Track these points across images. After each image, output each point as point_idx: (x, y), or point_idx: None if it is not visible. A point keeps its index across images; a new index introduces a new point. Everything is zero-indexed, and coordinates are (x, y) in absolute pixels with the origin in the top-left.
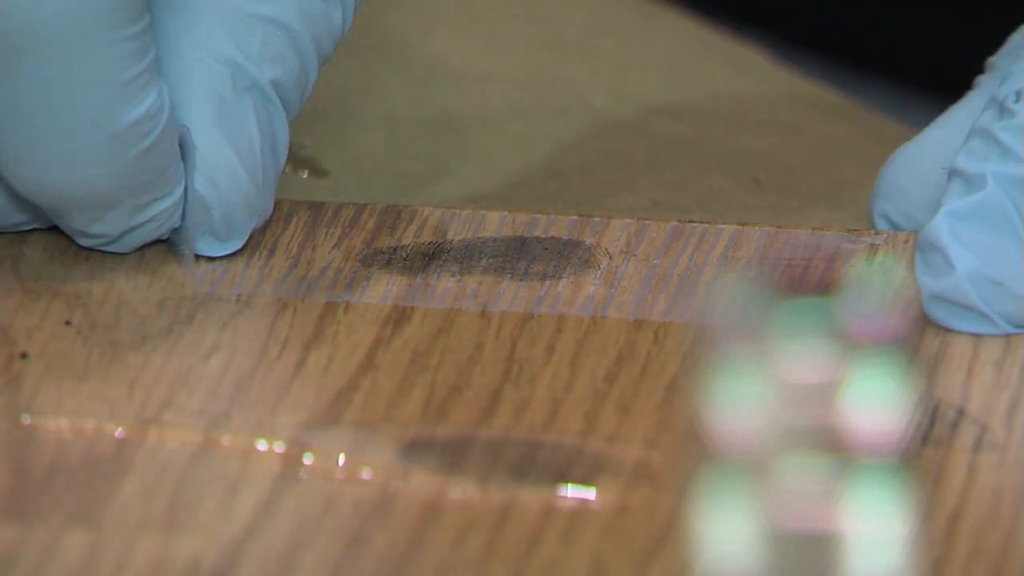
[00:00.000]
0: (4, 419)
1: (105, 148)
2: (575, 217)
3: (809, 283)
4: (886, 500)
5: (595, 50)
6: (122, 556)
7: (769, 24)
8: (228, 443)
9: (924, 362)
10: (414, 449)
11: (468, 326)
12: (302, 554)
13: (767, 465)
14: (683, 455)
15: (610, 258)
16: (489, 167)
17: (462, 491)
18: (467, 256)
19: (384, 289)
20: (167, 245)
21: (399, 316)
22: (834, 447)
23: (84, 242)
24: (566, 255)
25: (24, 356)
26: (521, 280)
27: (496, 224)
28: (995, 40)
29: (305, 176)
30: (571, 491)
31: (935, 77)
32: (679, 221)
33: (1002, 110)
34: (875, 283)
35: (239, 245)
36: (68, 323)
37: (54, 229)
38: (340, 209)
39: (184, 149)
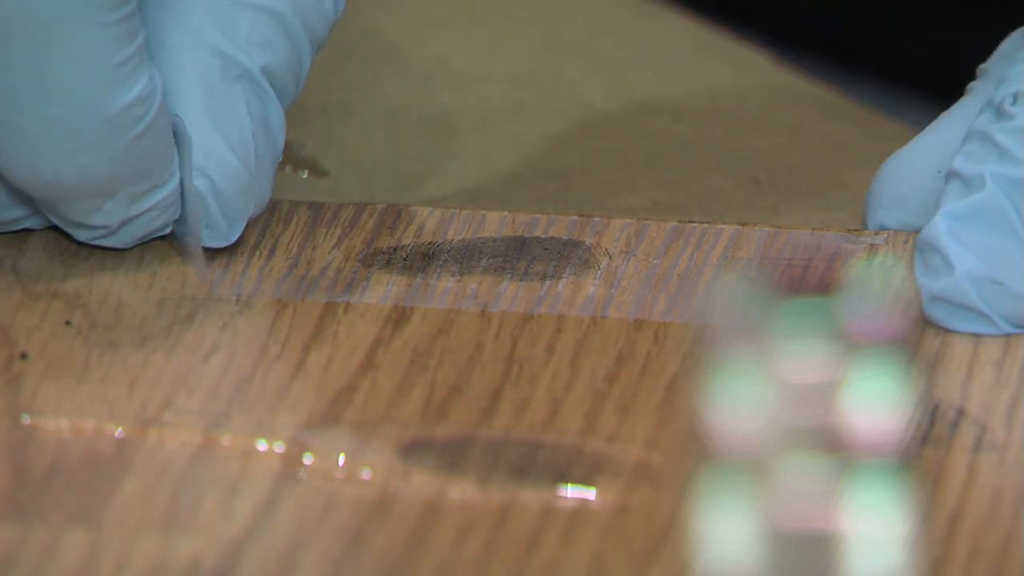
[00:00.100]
0: (4, 419)
1: (99, 134)
2: (575, 217)
3: (809, 283)
4: (886, 500)
5: (595, 51)
6: (122, 556)
7: (769, 24)
8: (228, 443)
9: (924, 362)
10: (414, 449)
11: (468, 326)
12: (302, 554)
13: (767, 465)
14: (683, 455)
15: (610, 258)
16: (489, 167)
17: (462, 491)
18: (467, 256)
19: (384, 289)
20: (167, 246)
21: (399, 316)
22: (834, 447)
23: (83, 235)
24: (566, 255)
25: (24, 356)
26: (521, 280)
27: (496, 224)
28: (994, 41)
29: (305, 176)
30: (571, 491)
31: (935, 77)
32: (679, 221)
33: (999, 112)
34: (875, 283)
35: (238, 233)
36: (68, 323)
37: (54, 229)
38: (340, 209)
39: (178, 139)
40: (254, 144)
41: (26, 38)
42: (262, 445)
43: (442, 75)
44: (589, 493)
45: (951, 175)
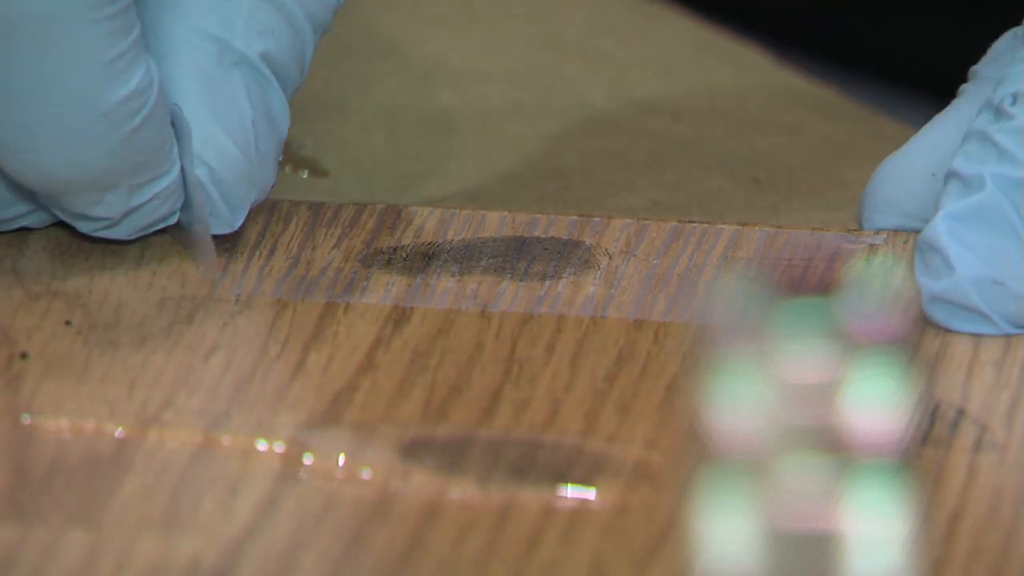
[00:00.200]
0: (4, 419)
1: (96, 128)
2: (575, 217)
3: (809, 283)
4: (886, 500)
5: (595, 50)
6: (122, 556)
7: (769, 24)
8: (228, 443)
9: (924, 362)
10: (414, 449)
11: (468, 326)
12: (302, 554)
13: (767, 465)
14: (683, 455)
15: (610, 258)
16: (489, 167)
17: (462, 491)
18: (467, 256)
19: (384, 289)
20: (167, 245)
21: (399, 316)
22: (834, 447)
23: (85, 227)
24: (566, 255)
25: (24, 356)
26: (521, 280)
27: (496, 224)
28: (994, 41)
29: (305, 176)
30: (571, 491)
31: (934, 77)
32: (679, 221)
33: (999, 113)
34: (875, 283)
35: (241, 220)
36: (68, 323)
37: (58, 226)
38: (340, 209)
39: (178, 128)
40: (255, 131)
41: (24, 37)
42: (262, 445)
43: (441, 73)
44: (589, 493)
45: (951, 175)
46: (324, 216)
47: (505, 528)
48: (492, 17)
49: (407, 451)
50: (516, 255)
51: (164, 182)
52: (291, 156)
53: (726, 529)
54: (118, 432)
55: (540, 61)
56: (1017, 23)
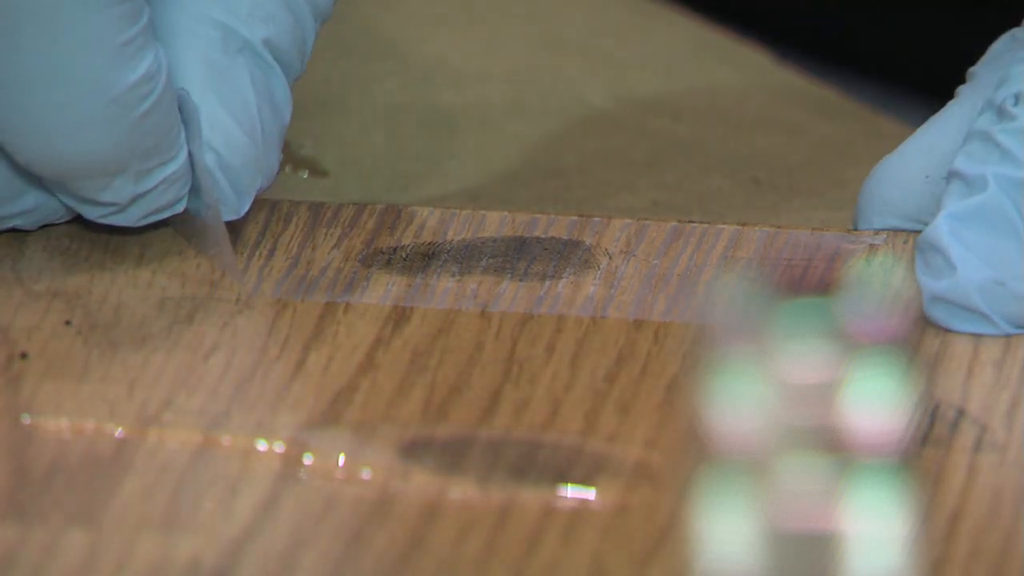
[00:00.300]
0: (4, 419)
1: (106, 113)
2: (575, 217)
3: (809, 283)
4: (886, 500)
5: (595, 50)
6: (122, 556)
7: (769, 24)
8: (228, 443)
9: (924, 362)
10: (414, 449)
11: (468, 326)
12: (302, 554)
13: (767, 465)
14: (683, 455)
15: (610, 258)
16: (489, 167)
17: (462, 491)
18: (467, 256)
19: (384, 289)
20: (167, 245)
21: (399, 316)
22: (834, 447)
23: (93, 213)
24: (566, 255)
25: (24, 356)
26: (521, 280)
27: (496, 224)
28: (993, 41)
29: (305, 176)
30: (571, 491)
31: (934, 77)
32: (679, 221)
33: (1001, 113)
34: (875, 283)
35: (247, 206)
36: (68, 323)
37: (54, 229)
38: (340, 209)
39: (185, 113)
40: (259, 117)
41: (34, 22)
42: (262, 445)
43: (441, 73)
44: (589, 493)
45: (953, 175)
46: (324, 216)
47: (505, 528)
48: (492, 17)
49: (407, 451)
50: (516, 255)
51: (172, 167)
52: (291, 156)
53: (726, 529)
54: (118, 432)
55: (540, 61)
56: (1016, 24)
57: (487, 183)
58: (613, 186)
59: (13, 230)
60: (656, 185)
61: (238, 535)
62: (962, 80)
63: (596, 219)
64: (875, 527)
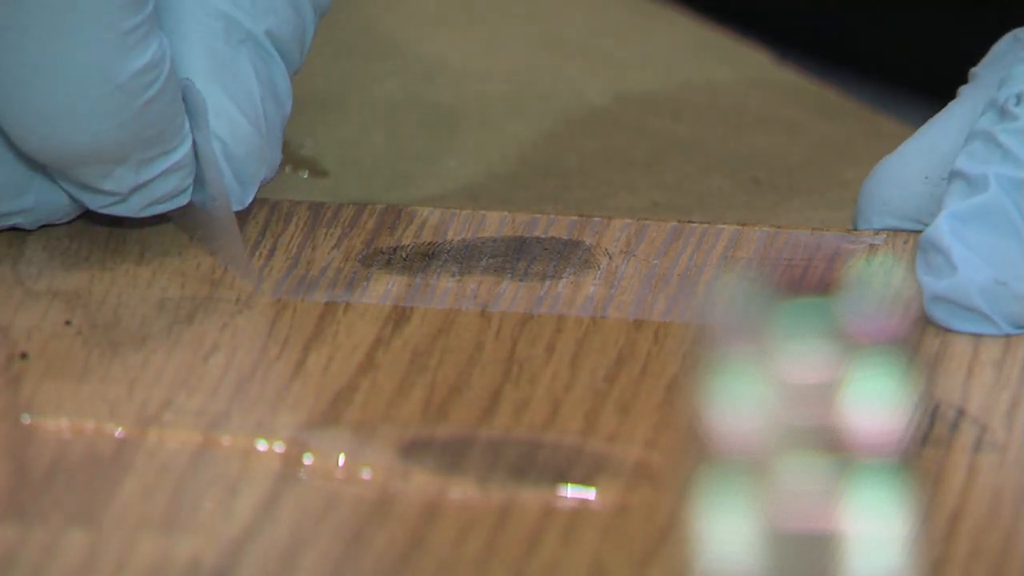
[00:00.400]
0: (4, 419)
1: (110, 100)
2: (575, 217)
3: (809, 283)
4: (886, 500)
5: (595, 49)
6: (122, 556)
7: (769, 24)
8: (228, 443)
9: (924, 362)
10: (414, 449)
11: (468, 326)
12: (302, 554)
13: (767, 465)
14: (683, 455)
15: (610, 258)
16: (489, 166)
17: (462, 491)
18: (467, 256)
19: (384, 289)
20: (167, 245)
21: (399, 316)
22: (834, 447)
23: (95, 203)
24: (566, 255)
25: (24, 356)
26: (521, 280)
27: (496, 224)
28: (994, 41)
29: (305, 176)
30: (571, 491)
31: (934, 77)
32: (679, 221)
33: (1003, 113)
34: (875, 283)
35: (251, 197)
36: (68, 323)
37: (54, 229)
38: (340, 209)
39: (191, 103)
40: (263, 107)
41: (39, 9)
42: (262, 445)
43: (441, 73)
44: (589, 493)
45: (954, 175)
46: (324, 216)
47: (505, 528)
48: (492, 17)
49: (407, 451)
50: (516, 255)
51: (174, 156)
52: (291, 156)
53: (726, 529)
54: (118, 432)
55: (540, 61)
56: (1017, 24)
57: (487, 183)
58: (613, 186)
59: (13, 229)
60: (656, 185)
61: (238, 535)
62: (962, 80)
63: (596, 219)
64: (875, 527)
